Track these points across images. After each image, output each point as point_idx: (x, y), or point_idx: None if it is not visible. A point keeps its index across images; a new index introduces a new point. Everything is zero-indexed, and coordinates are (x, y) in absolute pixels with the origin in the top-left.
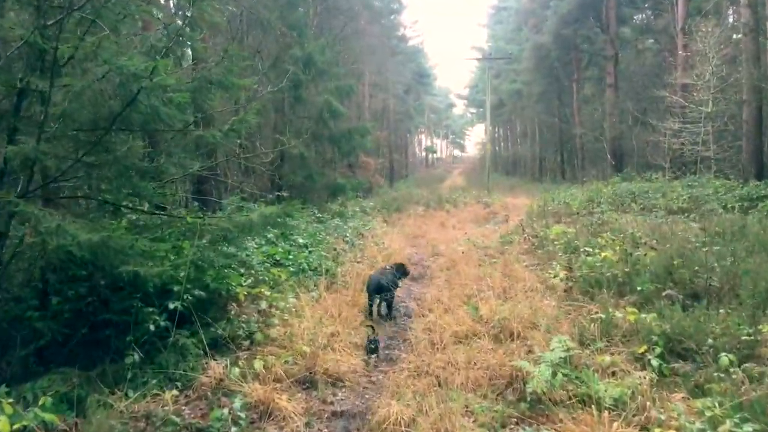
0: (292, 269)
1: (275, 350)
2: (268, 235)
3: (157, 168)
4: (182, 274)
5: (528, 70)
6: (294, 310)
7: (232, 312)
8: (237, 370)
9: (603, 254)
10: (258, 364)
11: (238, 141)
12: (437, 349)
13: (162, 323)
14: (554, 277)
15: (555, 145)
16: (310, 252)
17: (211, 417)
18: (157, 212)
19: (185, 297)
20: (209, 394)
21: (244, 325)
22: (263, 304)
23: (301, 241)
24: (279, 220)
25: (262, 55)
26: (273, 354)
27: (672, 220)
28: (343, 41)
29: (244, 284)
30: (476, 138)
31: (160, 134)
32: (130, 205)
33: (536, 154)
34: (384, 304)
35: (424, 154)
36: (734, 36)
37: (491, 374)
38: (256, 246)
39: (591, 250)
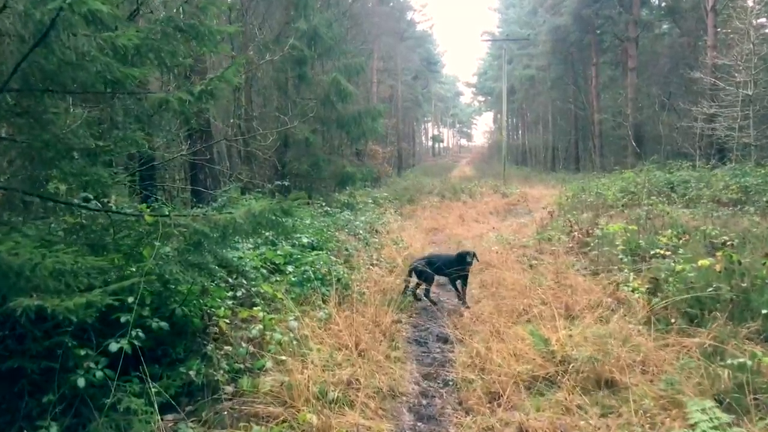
0: (293, 278)
1: (266, 411)
2: (266, 234)
3: (103, 147)
4: (131, 300)
5: (543, 54)
6: (295, 342)
7: (209, 347)
8: None
9: (700, 262)
10: None
11: (233, 121)
12: (497, 403)
13: (99, 373)
14: (632, 291)
15: (569, 133)
16: (317, 255)
17: None
18: (98, 209)
19: (135, 333)
20: None
21: (225, 365)
22: (255, 331)
23: (305, 240)
24: (274, 218)
25: (263, 30)
26: (262, 418)
27: (729, 213)
28: (352, 18)
29: (230, 303)
30: (483, 127)
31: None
32: (59, 198)
33: (549, 144)
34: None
35: (430, 143)
36: None
37: None
38: (250, 247)
39: (665, 253)
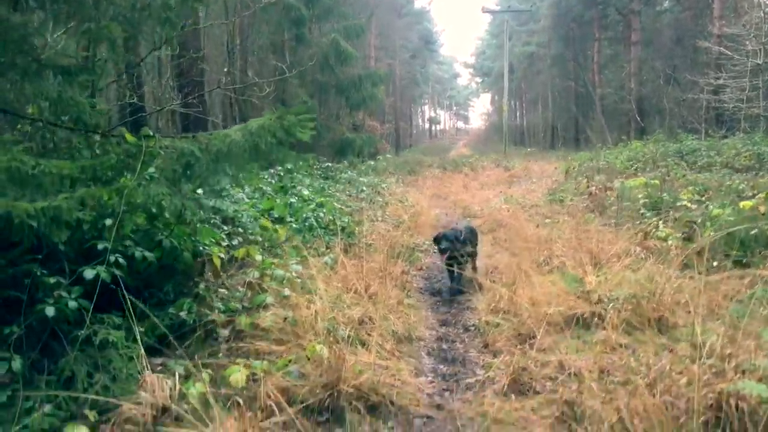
0: (295, 225)
1: (268, 348)
2: (264, 188)
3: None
4: (108, 222)
5: (544, 30)
6: (299, 281)
7: (202, 286)
8: (196, 388)
9: (742, 204)
10: (237, 376)
11: (225, 69)
12: (528, 344)
13: (71, 303)
14: (664, 238)
15: (570, 111)
16: (318, 205)
17: None
18: (73, 128)
19: (114, 259)
20: None
21: (220, 304)
22: (253, 274)
23: (306, 193)
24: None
25: None
26: (264, 355)
27: (746, 177)
28: None
29: (223, 244)
30: (481, 109)
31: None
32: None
33: (548, 122)
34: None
35: (427, 125)
36: None
37: (668, 401)
38: (247, 199)
39: (690, 205)
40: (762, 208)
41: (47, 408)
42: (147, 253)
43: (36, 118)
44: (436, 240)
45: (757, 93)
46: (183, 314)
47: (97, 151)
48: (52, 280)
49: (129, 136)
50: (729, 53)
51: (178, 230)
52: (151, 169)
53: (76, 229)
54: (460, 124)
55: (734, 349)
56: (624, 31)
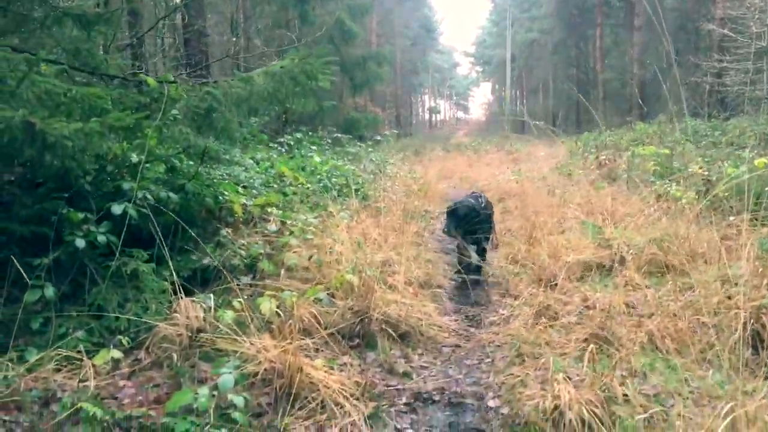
0: (309, 186)
1: (296, 285)
2: (273, 155)
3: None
4: (135, 158)
5: (546, 17)
6: (320, 229)
7: (224, 234)
8: (230, 314)
9: (757, 162)
10: (268, 305)
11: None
12: (550, 287)
13: (100, 237)
14: (680, 198)
15: (571, 98)
16: (331, 170)
17: (171, 405)
18: (94, 72)
19: (143, 197)
20: (175, 356)
21: (242, 251)
22: (273, 226)
23: (317, 159)
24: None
25: None
26: (293, 288)
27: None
28: None
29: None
30: (481, 99)
31: None
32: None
33: (549, 110)
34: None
35: (427, 115)
36: None
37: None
38: (257, 165)
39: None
40: None
41: (80, 334)
42: (172, 195)
43: (58, 61)
44: (452, 214)
45: (761, 76)
46: (206, 260)
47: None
48: (80, 215)
49: (150, 81)
50: (733, 35)
51: (199, 176)
52: (174, 111)
53: (102, 167)
54: (460, 114)
55: (763, 276)
56: (626, 17)
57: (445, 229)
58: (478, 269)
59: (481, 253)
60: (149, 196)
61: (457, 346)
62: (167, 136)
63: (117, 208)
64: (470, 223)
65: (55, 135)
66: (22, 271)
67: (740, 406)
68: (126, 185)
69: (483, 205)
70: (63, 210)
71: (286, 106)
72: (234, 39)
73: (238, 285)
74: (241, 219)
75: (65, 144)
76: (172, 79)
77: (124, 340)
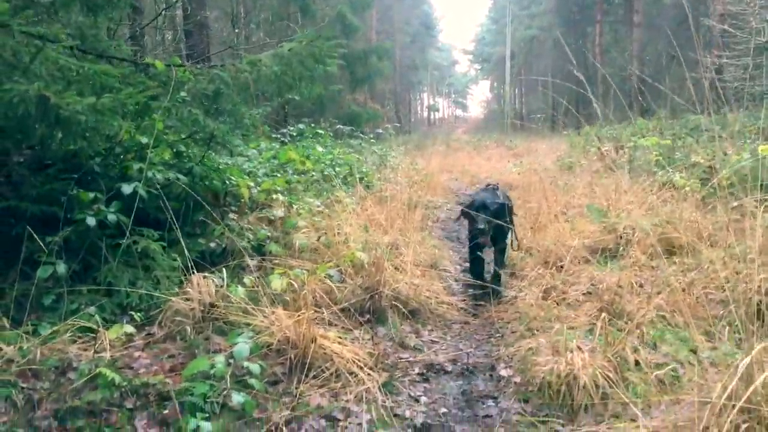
0: (314, 175)
1: (306, 265)
2: (276, 146)
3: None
4: (144, 141)
5: (546, 13)
6: (327, 212)
7: (231, 218)
8: (241, 289)
9: (761, 148)
10: (279, 281)
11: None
12: (556, 269)
13: (110, 216)
14: (683, 186)
15: (570, 95)
16: (334, 159)
17: (188, 371)
18: (101, 54)
19: (152, 176)
20: (188, 330)
21: (249, 234)
22: (279, 211)
23: (320, 149)
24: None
25: None
26: (303, 267)
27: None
28: None
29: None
30: (480, 97)
31: None
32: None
33: (549, 107)
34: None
35: (426, 113)
36: None
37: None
38: (258, 154)
39: (703, 161)
40: None
41: (91, 310)
42: (180, 176)
43: (67, 44)
44: (469, 212)
45: (760, 71)
46: (213, 244)
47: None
48: (90, 195)
49: (159, 63)
50: (732, 31)
51: (207, 159)
52: (183, 93)
53: (111, 149)
54: (459, 112)
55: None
56: (626, 14)
57: (480, 227)
58: (497, 278)
59: (500, 256)
60: (158, 176)
61: (466, 322)
62: (176, 117)
63: (127, 188)
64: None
65: (68, 110)
66: (33, 249)
67: (755, 363)
68: (135, 166)
69: (501, 199)
70: (72, 190)
71: (292, 91)
72: (236, 31)
73: (250, 260)
74: (247, 204)
75: (78, 119)
76: (180, 62)
77: (137, 316)
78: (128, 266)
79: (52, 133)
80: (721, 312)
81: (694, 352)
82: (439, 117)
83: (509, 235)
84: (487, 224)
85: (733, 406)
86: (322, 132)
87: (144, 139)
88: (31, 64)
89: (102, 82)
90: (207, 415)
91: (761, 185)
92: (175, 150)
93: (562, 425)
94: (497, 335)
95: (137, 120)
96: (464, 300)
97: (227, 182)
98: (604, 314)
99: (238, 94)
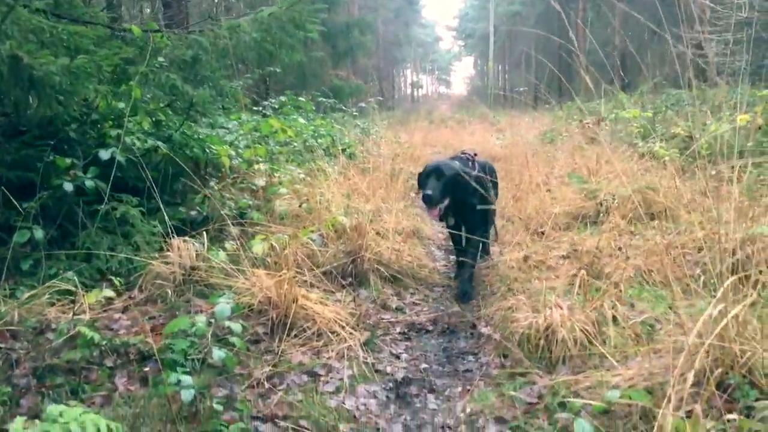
0: (296, 145)
1: (287, 231)
2: (256, 117)
3: None
4: (122, 105)
5: None
6: (309, 181)
7: (212, 186)
8: (222, 254)
9: (740, 118)
10: (260, 245)
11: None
12: (537, 236)
13: (88, 182)
14: (664, 154)
15: (553, 71)
16: (316, 129)
17: (168, 329)
18: (76, 19)
19: (131, 143)
20: (169, 292)
21: (231, 203)
22: (260, 181)
23: (302, 121)
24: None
25: None
26: (285, 233)
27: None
28: None
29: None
30: (463, 73)
31: None
32: None
33: (531, 83)
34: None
35: (409, 89)
36: None
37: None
38: (238, 124)
39: (683, 132)
40: (759, 121)
41: (70, 275)
42: (160, 143)
43: (41, 8)
44: (433, 175)
45: (741, 47)
46: (193, 212)
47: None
48: (67, 161)
49: (135, 29)
50: (714, 5)
51: (187, 126)
52: (160, 59)
53: (88, 115)
54: (442, 89)
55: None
56: None
57: (427, 197)
58: (466, 274)
59: (471, 247)
60: (137, 142)
61: (448, 286)
62: (153, 84)
63: (104, 154)
64: (458, 195)
65: (42, 70)
66: (9, 215)
67: (729, 309)
68: (113, 133)
69: (477, 171)
70: (49, 157)
71: (273, 58)
72: (215, 2)
73: (232, 227)
74: (228, 174)
75: (52, 81)
76: (157, 27)
77: (117, 281)
78: (107, 232)
79: (26, 97)
80: (698, 271)
81: (670, 308)
82: (422, 94)
83: (490, 220)
84: (436, 193)
85: (705, 347)
86: (304, 100)
87: (121, 105)
88: (2, 24)
89: (76, 44)
90: (188, 370)
91: (738, 152)
92: (154, 119)
93: (540, 377)
94: (478, 297)
95: (114, 86)
96: (445, 265)
97: (207, 151)
98: (582, 271)
99: (217, 60)
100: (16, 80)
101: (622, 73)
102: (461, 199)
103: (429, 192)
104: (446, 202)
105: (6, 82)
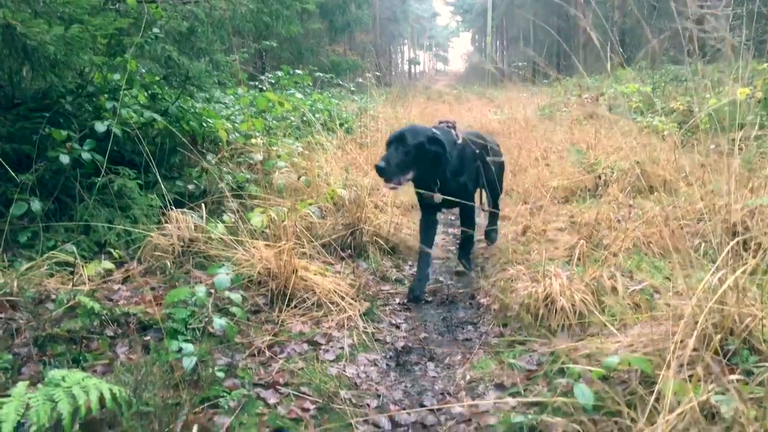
0: (293, 120)
1: (286, 203)
2: (253, 92)
3: None
4: (117, 77)
5: None
6: (307, 154)
7: (209, 160)
8: (221, 226)
9: (740, 91)
10: (259, 218)
11: None
12: (535, 209)
13: (85, 155)
14: (663, 128)
15: (552, 47)
16: (314, 103)
17: (169, 299)
18: None
19: (128, 116)
20: (168, 264)
21: (229, 177)
22: (258, 155)
23: (298, 95)
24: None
25: None
26: (284, 205)
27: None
28: None
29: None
30: (461, 50)
31: None
32: None
33: (530, 59)
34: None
35: (406, 66)
36: None
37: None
38: (234, 99)
39: (681, 107)
40: (759, 95)
41: (68, 247)
42: (156, 116)
43: None
44: (397, 142)
45: (741, 22)
46: (191, 186)
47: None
48: (63, 133)
49: (130, 0)
50: None
51: (183, 100)
52: (156, 30)
53: (83, 87)
54: (440, 66)
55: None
56: None
57: (379, 169)
58: (465, 248)
59: (467, 218)
60: (133, 115)
61: (447, 258)
62: (149, 55)
63: (100, 126)
64: (430, 167)
65: (36, 40)
66: (6, 188)
67: (729, 275)
68: (108, 105)
69: (461, 145)
70: (44, 129)
71: (269, 30)
72: None
73: (230, 200)
74: (225, 148)
75: (47, 50)
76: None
77: (115, 253)
78: (104, 205)
79: (20, 68)
80: (697, 242)
81: (668, 279)
82: (419, 71)
83: (475, 193)
84: (392, 164)
85: (705, 312)
86: (302, 73)
87: (117, 77)
88: None
89: (70, 14)
90: (188, 338)
91: (738, 125)
92: (149, 92)
93: (540, 345)
94: (477, 269)
95: (109, 58)
96: (444, 239)
97: (204, 125)
98: (582, 241)
99: (213, 32)
100: (10, 50)
101: (621, 49)
102: (437, 171)
103: (381, 163)
104: (409, 175)
105: (0, 52)
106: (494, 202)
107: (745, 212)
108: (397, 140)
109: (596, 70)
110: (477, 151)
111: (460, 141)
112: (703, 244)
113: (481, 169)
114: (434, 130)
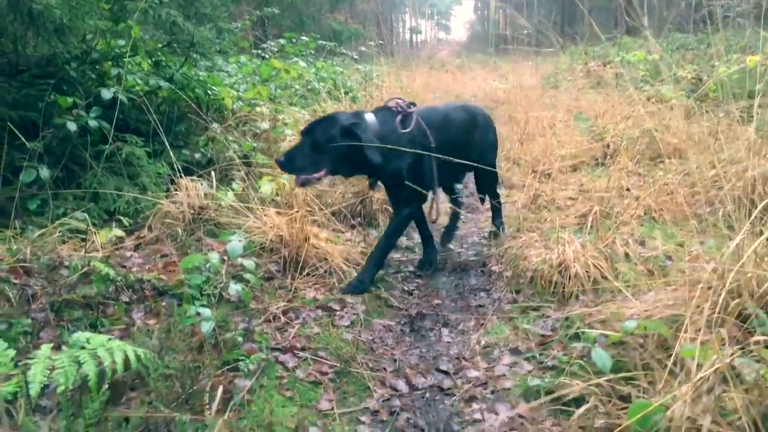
0: (297, 88)
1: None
2: (255, 60)
3: None
4: (121, 43)
5: None
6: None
7: (215, 128)
8: (231, 194)
9: (749, 60)
10: (269, 186)
11: None
12: (544, 175)
13: (91, 122)
14: (671, 97)
15: (555, 15)
16: (318, 71)
17: (183, 265)
18: None
19: (132, 81)
20: (179, 231)
21: (235, 145)
22: (264, 124)
23: (302, 64)
24: None
25: None
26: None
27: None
28: None
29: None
30: (464, 18)
31: None
32: None
33: (534, 27)
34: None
35: (408, 35)
36: None
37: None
38: (237, 67)
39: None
40: None
41: (78, 214)
42: (162, 83)
43: None
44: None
45: None
46: (198, 155)
47: None
48: (68, 100)
49: None
50: None
51: (188, 67)
52: None
53: (88, 53)
54: (442, 35)
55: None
56: None
57: (279, 163)
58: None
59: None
60: (139, 81)
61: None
62: (153, 20)
63: (106, 93)
64: (359, 163)
65: (41, 3)
66: (14, 155)
67: (746, 243)
68: (113, 72)
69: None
70: (50, 96)
71: None
72: None
73: (238, 168)
74: (231, 117)
75: (52, 14)
76: None
77: (125, 221)
78: (113, 173)
79: (25, 33)
80: (708, 210)
81: (681, 246)
82: (421, 40)
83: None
84: (295, 159)
85: (723, 276)
86: (307, 39)
87: (121, 43)
88: None
89: None
90: (204, 303)
91: (748, 93)
92: (153, 59)
93: (554, 311)
94: (487, 237)
95: (113, 23)
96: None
97: (209, 93)
98: (595, 208)
99: None
100: (15, 14)
101: (627, 18)
102: (366, 166)
103: (282, 158)
104: (322, 171)
105: (4, 16)
106: (489, 191)
107: (759, 179)
108: (306, 133)
109: (601, 38)
110: (430, 140)
111: (409, 128)
112: (716, 212)
113: (432, 162)
114: (356, 120)
